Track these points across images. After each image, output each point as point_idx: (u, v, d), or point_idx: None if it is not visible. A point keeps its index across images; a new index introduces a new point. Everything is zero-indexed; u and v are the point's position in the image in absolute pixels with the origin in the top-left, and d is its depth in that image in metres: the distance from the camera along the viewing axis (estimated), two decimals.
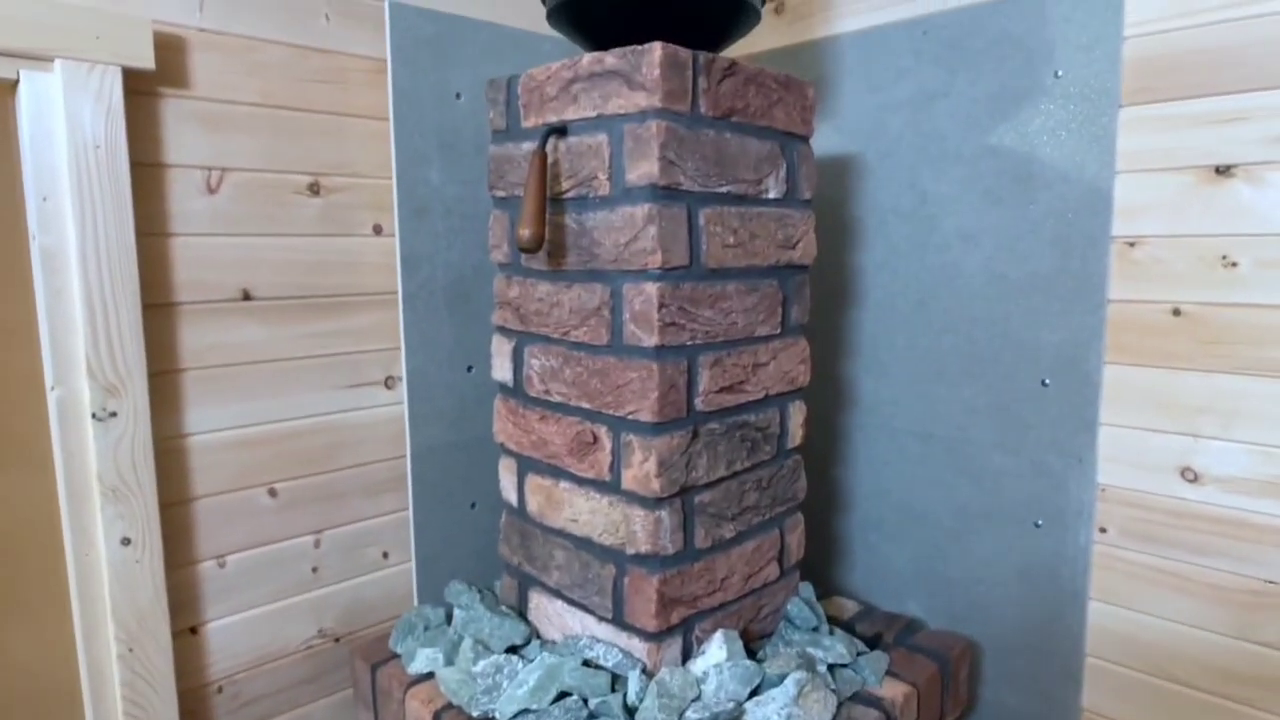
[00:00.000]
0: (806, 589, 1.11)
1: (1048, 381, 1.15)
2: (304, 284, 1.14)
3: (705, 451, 0.92)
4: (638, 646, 0.92)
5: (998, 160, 1.17)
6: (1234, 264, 0.99)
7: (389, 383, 1.24)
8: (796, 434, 1.06)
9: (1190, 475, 1.05)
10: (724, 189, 0.90)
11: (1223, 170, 0.99)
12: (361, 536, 1.23)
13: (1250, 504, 1.00)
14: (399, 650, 1.10)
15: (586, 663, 0.94)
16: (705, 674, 0.91)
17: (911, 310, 1.30)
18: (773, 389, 1.01)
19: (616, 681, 0.92)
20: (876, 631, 1.14)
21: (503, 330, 1.05)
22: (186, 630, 1.09)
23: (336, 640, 1.23)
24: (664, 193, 0.84)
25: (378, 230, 1.20)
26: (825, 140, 1.38)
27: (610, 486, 0.92)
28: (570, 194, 0.92)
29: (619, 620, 0.94)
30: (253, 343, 1.10)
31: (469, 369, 1.29)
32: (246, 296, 1.09)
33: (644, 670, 0.91)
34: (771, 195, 0.96)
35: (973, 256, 1.22)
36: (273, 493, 1.14)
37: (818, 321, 1.42)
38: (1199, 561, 1.05)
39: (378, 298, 1.21)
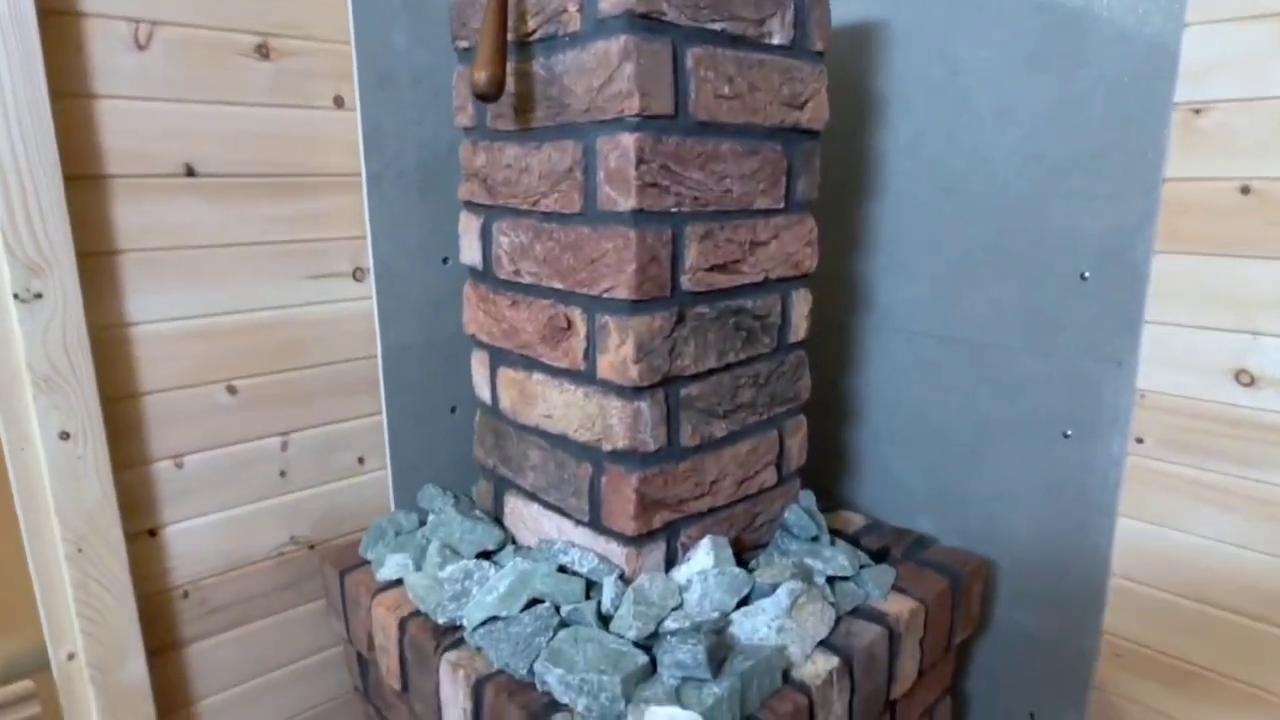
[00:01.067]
0: (807, 497, 1.01)
1: (1087, 275, 1.02)
2: (256, 161, 1.02)
3: (693, 338, 0.81)
4: (615, 551, 0.83)
5: (1045, 18, 1.01)
6: None
7: (357, 275, 1.13)
8: (800, 326, 0.95)
9: (1245, 378, 0.92)
10: (718, 26, 0.76)
11: None
12: (333, 440, 1.15)
13: None
14: (369, 556, 1.03)
15: (561, 568, 0.86)
16: (689, 581, 0.82)
17: (936, 199, 1.16)
18: (774, 272, 0.89)
19: (592, 588, 0.84)
20: (883, 545, 1.05)
21: (470, 205, 0.94)
22: (144, 533, 1.02)
23: (311, 547, 1.16)
24: (643, 23, 0.70)
25: (339, 102, 1.08)
26: (844, 5, 1.21)
27: (585, 376, 0.82)
28: (537, 35, 0.79)
29: (596, 523, 0.85)
30: (199, 224, 1.00)
31: (444, 260, 1.18)
32: (190, 172, 0.98)
33: (621, 576, 0.83)
34: (776, 40, 0.83)
35: (1008, 135, 1.07)
36: (232, 390, 1.05)
37: (830, 213, 1.29)
38: (1247, 474, 0.94)
39: (342, 179, 1.09)
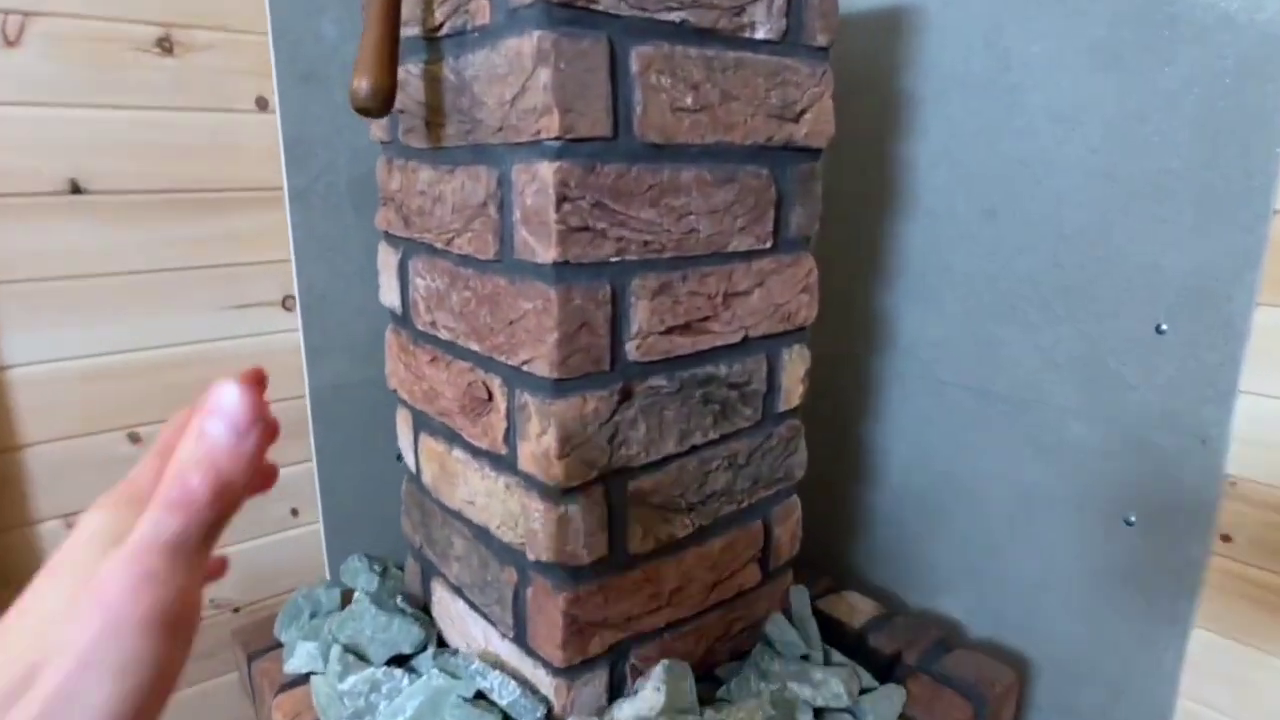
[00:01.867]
0: (799, 596, 0.83)
1: (1164, 327, 0.81)
2: (160, 175, 0.87)
3: (643, 419, 0.63)
4: (544, 680, 0.67)
5: (1119, 2, 0.80)
6: None
7: (287, 304, 0.98)
8: (793, 392, 0.76)
9: None
10: (675, 16, 0.57)
11: None
12: None
13: None
14: (282, 639, 0.88)
15: (480, 694, 0.69)
16: None
17: (976, 221, 0.95)
18: (756, 329, 0.70)
19: None
20: (896, 649, 0.86)
21: (388, 237, 0.77)
22: None
23: (236, 610, 1.02)
24: (564, 14, 0.52)
25: (262, 105, 0.91)
26: None
27: (506, 463, 0.65)
28: (445, 29, 0.61)
29: (522, 642, 0.68)
30: (89, 249, 0.85)
31: None
32: (76, 189, 0.83)
33: (548, 715, 0.66)
34: (761, 34, 0.63)
35: (1070, 146, 0.86)
36: (134, 438, 0.91)
37: (843, 233, 1.09)
38: None
39: (265, 194, 0.94)
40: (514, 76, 0.54)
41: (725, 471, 0.72)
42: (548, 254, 0.55)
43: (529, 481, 0.62)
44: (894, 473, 1.09)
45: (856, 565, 1.16)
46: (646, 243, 0.60)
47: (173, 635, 0.22)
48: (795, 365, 0.76)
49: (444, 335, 0.69)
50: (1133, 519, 0.87)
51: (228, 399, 0.26)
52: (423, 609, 0.84)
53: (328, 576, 1.03)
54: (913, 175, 1.01)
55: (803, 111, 0.68)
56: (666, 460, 0.66)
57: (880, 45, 1.02)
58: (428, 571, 0.83)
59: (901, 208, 1.03)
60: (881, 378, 1.08)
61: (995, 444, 0.97)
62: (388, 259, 0.77)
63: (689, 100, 0.60)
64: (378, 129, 0.74)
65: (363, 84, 0.55)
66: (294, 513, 1.03)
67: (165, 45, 0.85)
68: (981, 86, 0.93)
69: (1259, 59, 0.71)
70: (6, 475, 0.85)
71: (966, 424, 1.00)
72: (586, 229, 0.56)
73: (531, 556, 0.63)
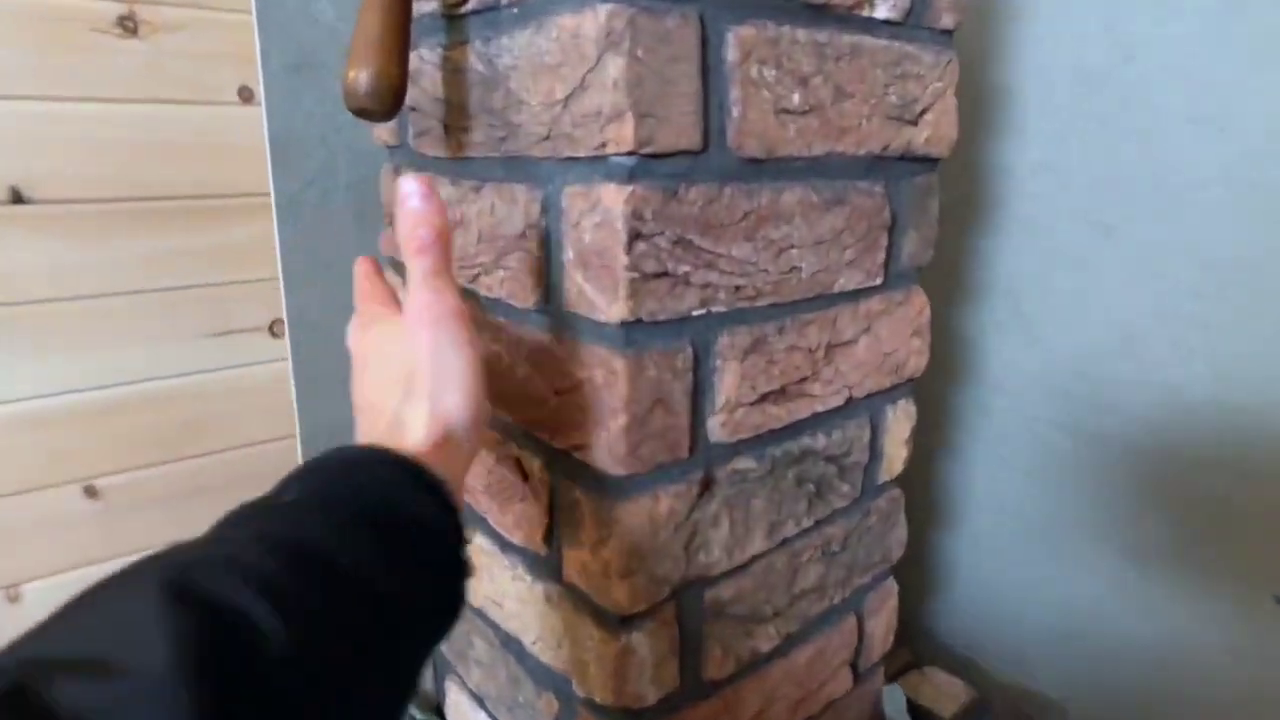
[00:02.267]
0: (894, 699, 0.69)
1: None
2: (120, 180, 0.72)
3: (727, 514, 0.49)
4: None
5: None
6: None
7: (275, 329, 0.83)
8: (896, 458, 0.62)
9: None
10: None
11: None
12: None
13: None
14: None
15: None
16: None
17: (1087, 238, 0.80)
18: (860, 387, 0.55)
19: None
20: None
21: (394, 264, 0.62)
22: None
23: None
24: None
25: (246, 97, 0.77)
26: None
27: (547, 568, 0.50)
28: (473, 2, 0.46)
29: None
30: (34, 269, 0.70)
31: None
32: (17, 198, 0.69)
33: None
34: (881, 13, 0.48)
35: (1214, 153, 0.71)
36: (91, 492, 0.77)
37: None
38: None
39: (249, 201, 0.79)
40: (569, 68, 0.39)
41: (818, 563, 0.57)
42: (614, 310, 0.40)
43: (578, 599, 0.48)
44: (974, 519, 0.95)
45: (933, 627, 1.02)
46: (738, 288, 0.45)
47: (466, 324, 0.38)
48: (900, 425, 0.61)
49: None
50: None
51: (408, 183, 0.39)
52: (435, 709, 0.70)
53: None
54: (1008, 182, 0.86)
55: (923, 111, 0.53)
56: (752, 561, 0.52)
57: (971, 31, 0.86)
58: (441, 668, 0.68)
59: (993, 220, 0.88)
60: (963, 412, 0.94)
61: (1102, 495, 0.83)
62: (396, 292, 0.62)
63: (796, 99, 0.45)
64: (383, 131, 0.59)
65: (361, 76, 0.40)
66: None
67: (128, 25, 0.70)
68: (1098, 80, 0.77)
69: None
70: None
71: (1065, 469, 0.85)
72: (665, 275, 0.41)
73: (581, 693, 0.49)
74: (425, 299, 0.37)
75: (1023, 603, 0.92)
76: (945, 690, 0.82)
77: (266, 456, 0.85)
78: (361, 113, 0.41)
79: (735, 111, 0.42)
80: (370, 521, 0.31)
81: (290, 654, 0.25)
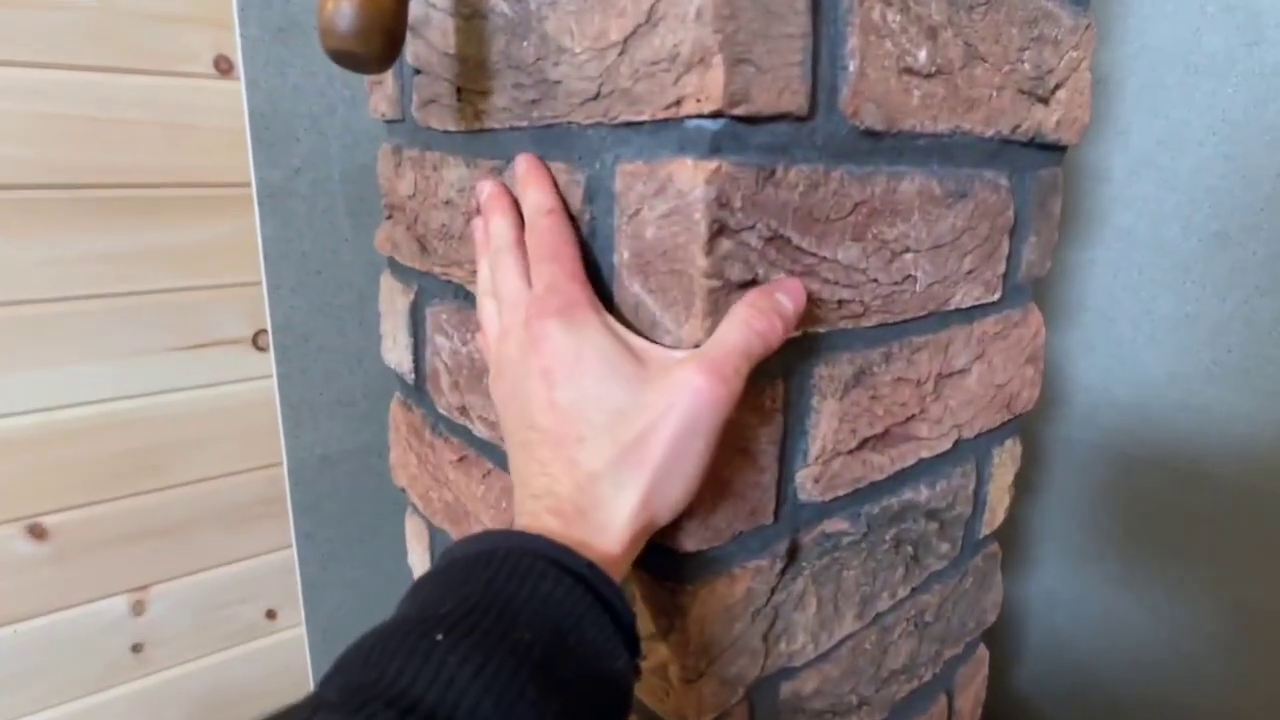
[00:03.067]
0: None
1: None
2: (74, 164, 0.62)
3: (814, 590, 0.38)
4: None
5: None
6: None
7: (259, 341, 0.73)
8: (999, 506, 0.51)
9: None
10: None
11: None
12: (222, 590, 0.75)
13: None
14: None
15: None
16: None
17: (1197, 249, 0.70)
18: (969, 427, 0.45)
19: None
20: None
21: (395, 266, 0.51)
22: None
23: None
24: None
25: (224, 68, 0.66)
26: None
27: None
28: None
29: None
30: None
31: None
32: None
33: None
34: None
35: None
36: (37, 531, 0.66)
37: None
38: None
39: (228, 192, 0.68)
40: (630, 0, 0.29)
41: (910, 638, 0.46)
42: (687, 331, 0.30)
43: (635, 708, 0.37)
44: (1050, 558, 0.84)
45: (998, 668, 0.91)
46: (842, 302, 0.34)
47: (720, 425, 0.28)
48: (1006, 469, 0.50)
49: (480, 430, 0.43)
50: None
51: (798, 291, 0.31)
52: None
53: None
54: (1104, 186, 0.75)
55: (1057, 86, 0.43)
56: (839, 644, 0.41)
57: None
58: None
59: (1085, 228, 0.77)
60: (1043, 444, 0.83)
61: (1207, 546, 0.72)
62: (393, 299, 0.51)
63: (923, 56, 0.34)
64: (380, 99, 0.48)
65: (343, 5, 0.29)
66: (270, 615, 0.79)
67: None
68: (1217, 69, 0.67)
69: None
70: None
71: (1166, 517, 0.74)
72: (754, 284, 0.30)
73: None
74: (719, 354, 0.28)
75: (1101, 656, 0.81)
76: None
77: (247, 488, 0.74)
78: (343, 56, 0.30)
79: (852, 65, 0.31)
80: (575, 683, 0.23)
81: None
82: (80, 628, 0.69)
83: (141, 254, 0.65)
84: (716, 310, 0.30)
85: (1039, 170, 0.45)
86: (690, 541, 0.32)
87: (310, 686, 0.79)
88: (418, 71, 0.43)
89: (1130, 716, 0.79)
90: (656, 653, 0.34)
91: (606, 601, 0.25)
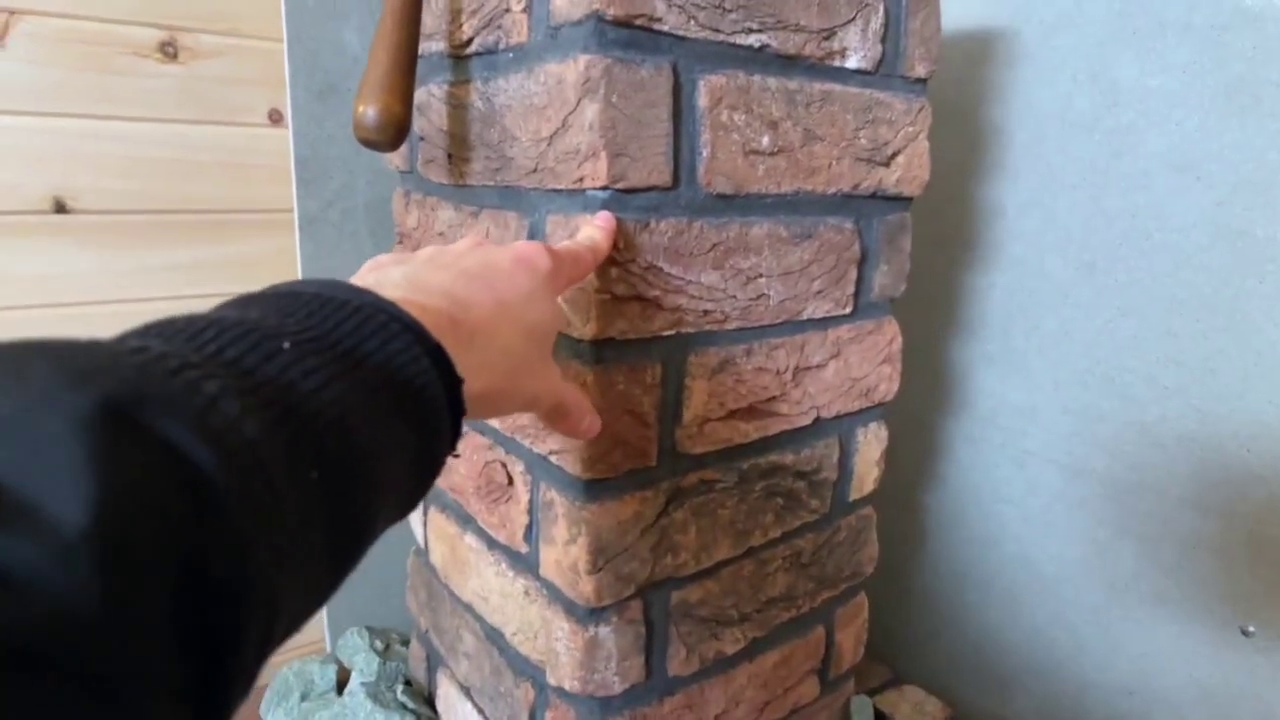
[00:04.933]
0: (863, 711, 0.71)
1: None
2: (156, 194, 0.78)
3: (694, 521, 0.53)
4: None
5: (1260, 33, 0.68)
6: None
7: None
8: (867, 477, 0.65)
9: None
10: (754, 40, 0.47)
11: None
12: None
13: None
14: None
15: None
16: None
17: (1073, 277, 0.83)
18: (829, 409, 0.59)
19: None
20: None
21: None
22: None
23: None
24: (619, 34, 0.42)
25: (275, 119, 0.83)
26: (955, 7, 0.89)
27: (526, 564, 0.54)
28: (474, 45, 0.51)
29: None
30: (74, 275, 0.76)
31: None
32: (61, 208, 0.75)
33: None
34: (852, 63, 0.52)
35: (1191, 198, 0.74)
36: None
37: (916, 283, 0.97)
38: None
39: (274, 217, 0.85)
40: (553, 109, 0.44)
41: (786, 573, 0.61)
42: (586, 329, 0.45)
43: (552, 592, 0.51)
44: (960, 549, 0.97)
45: (918, 654, 1.04)
46: (706, 312, 0.49)
47: (532, 321, 0.35)
48: (871, 446, 0.64)
49: None
50: (1251, 629, 0.74)
51: (608, 222, 0.42)
52: (427, 701, 0.74)
53: (327, 648, 0.93)
54: (999, 222, 0.89)
55: (895, 154, 0.57)
56: (719, 566, 0.55)
57: (967, 74, 0.90)
58: (434, 660, 0.72)
59: (984, 257, 0.91)
60: (952, 444, 0.96)
61: (1084, 527, 0.85)
62: None
63: (765, 141, 0.49)
64: (395, 157, 0.64)
65: (369, 111, 0.45)
66: None
67: (169, 50, 0.77)
68: (1085, 126, 0.81)
69: None
70: None
71: (1051, 503, 0.88)
72: (636, 298, 0.45)
73: (553, 681, 0.52)
74: (522, 268, 0.36)
75: (1004, 631, 0.93)
76: (921, 708, 0.84)
77: None
78: (368, 143, 0.46)
79: (705, 152, 0.46)
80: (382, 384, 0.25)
81: (237, 511, 0.18)
82: None
83: (206, 265, 0.82)
84: (606, 315, 0.45)
85: (886, 216, 0.59)
86: (591, 473, 0.47)
87: (325, 638, 0.94)
88: (421, 139, 0.58)
89: (1022, 679, 0.92)
90: (569, 552, 0.49)
91: (443, 370, 0.27)
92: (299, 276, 0.85)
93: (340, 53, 0.82)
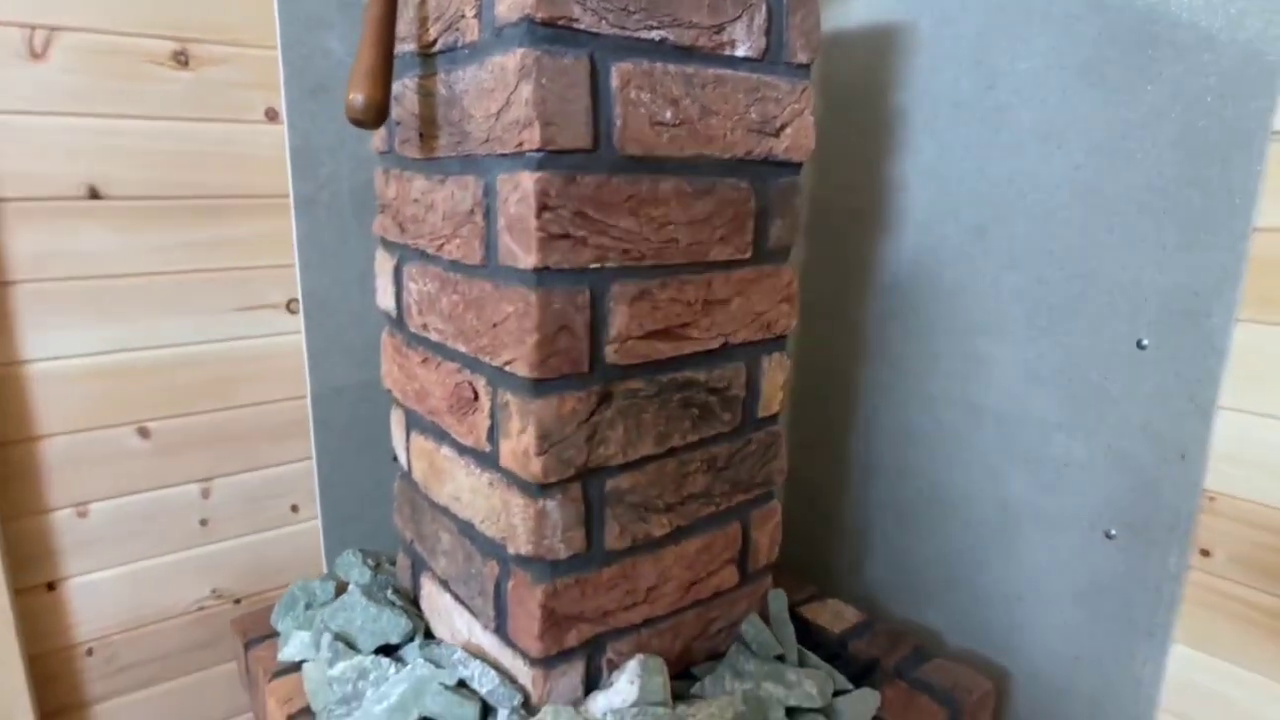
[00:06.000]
0: (777, 600, 0.85)
1: (1146, 342, 0.83)
2: (172, 181, 0.91)
3: (621, 420, 0.66)
4: (521, 670, 0.69)
5: (1104, 20, 0.82)
6: None
7: (291, 306, 1.01)
8: (773, 398, 0.78)
9: None
10: (655, 34, 0.60)
11: None
12: (263, 486, 1.03)
13: None
14: (279, 628, 0.91)
15: (462, 682, 0.72)
16: (604, 716, 0.67)
17: (963, 237, 0.97)
18: (735, 336, 0.72)
19: (489, 713, 0.69)
20: (873, 655, 0.88)
21: (384, 243, 0.80)
22: (40, 586, 0.92)
23: (237, 602, 1.05)
24: (547, 32, 0.55)
25: (271, 116, 0.95)
26: (863, 4, 1.03)
27: (489, 460, 0.67)
28: (438, 45, 0.64)
29: (503, 633, 0.70)
30: (105, 251, 0.89)
31: None
32: (94, 194, 0.87)
33: (525, 703, 0.68)
34: (741, 52, 0.66)
35: (1054, 163, 0.88)
36: (144, 432, 0.95)
37: (837, 245, 1.11)
38: None
39: (272, 201, 0.97)
40: (499, 91, 0.57)
41: (704, 474, 0.74)
42: (528, 260, 0.58)
43: (509, 478, 0.65)
44: (879, 484, 1.11)
45: (842, 574, 1.17)
46: (626, 250, 0.62)
47: None
48: (775, 373, 0.78)
49: (434, 337, 0.72)
50: (1113, 532, 0.88)
51: None
52: (412, 602, 0.86)
53: (325, 570, 1.06)
54: (903, 192, 1.03)
55: (783, 127, 0.71)
56: (644, 461, 0.69)
57: (872, 63, 1.04)
58: (418, 566, 0.85)
59: (891, 224, 1.05)
60: (870, 390, 1.10)
61: (980, 457, 0.99)
62: (384, 264, 0.80)
63: (668, 115, 0.62)
64: (378, 139, 0.77)
65: (358, 97, 0.58)
66: (294, 509, 1.07)
67: (180, 59, 0.89)
68: (970, 105, 0.95)
69: (1240, 77, 0.73)
70: (25, 464, 0.88)
71: (952, 437, 1.01)
72: (566, 236, 0.59)
73: (511, 550, 0.65)
74: None
75: (916, 552, 1.07)
76: (840, 614, 0.97)
77: (282, 412, 1.02)
78: (358, 123, 0.59)
79: (618, 123, 0.59)
80: None
81: None
82: (167, 504, 0.97)
83: (214, 243, 0.94)
84: (544, 249, 0.58)
85: (777, 180, 0.73)
86: (535, 373, 0.60)
87: (322, 565, 1.07)
88: (398, 123, 0.72)
89: (931, 592, 1.06)
90: (521, 441, 0.62)
91: None
92: (295, 252, 0.98)
93: (327, 57, 0.95)
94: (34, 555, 0.91)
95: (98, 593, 0.95)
